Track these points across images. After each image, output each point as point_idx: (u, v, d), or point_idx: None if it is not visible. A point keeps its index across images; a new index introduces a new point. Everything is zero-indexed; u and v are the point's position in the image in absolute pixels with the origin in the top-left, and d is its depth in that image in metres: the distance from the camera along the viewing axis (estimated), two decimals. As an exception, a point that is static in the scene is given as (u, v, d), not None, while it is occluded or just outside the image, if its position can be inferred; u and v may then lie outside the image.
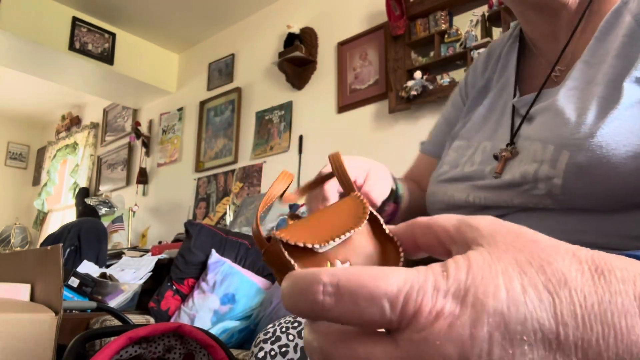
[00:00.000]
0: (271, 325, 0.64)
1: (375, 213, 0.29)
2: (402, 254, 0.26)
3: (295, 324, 0.62)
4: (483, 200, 0.58)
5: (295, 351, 0.60)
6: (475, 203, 0.59)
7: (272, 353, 0.60)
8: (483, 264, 0.21)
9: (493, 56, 0.74)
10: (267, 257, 0.27)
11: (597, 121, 0.48)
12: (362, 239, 0.28)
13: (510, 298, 0.19)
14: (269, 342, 0.61)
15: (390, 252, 0.27)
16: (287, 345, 0.60)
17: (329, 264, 0.26)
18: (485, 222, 0.23)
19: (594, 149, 0.47)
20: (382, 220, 0.28)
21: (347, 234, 0.26)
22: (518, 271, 0.20)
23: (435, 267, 0.21)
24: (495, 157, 0.59)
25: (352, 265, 0.26)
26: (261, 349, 0.61)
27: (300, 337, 0.61)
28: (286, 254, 0.26)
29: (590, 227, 0.50)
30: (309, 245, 0.26)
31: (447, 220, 0.25)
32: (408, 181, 0.77)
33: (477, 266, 0.21)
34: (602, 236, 0.49)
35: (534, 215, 0.54)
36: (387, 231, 0.28)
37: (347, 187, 0.34)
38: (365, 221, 0.28)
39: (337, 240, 0.26)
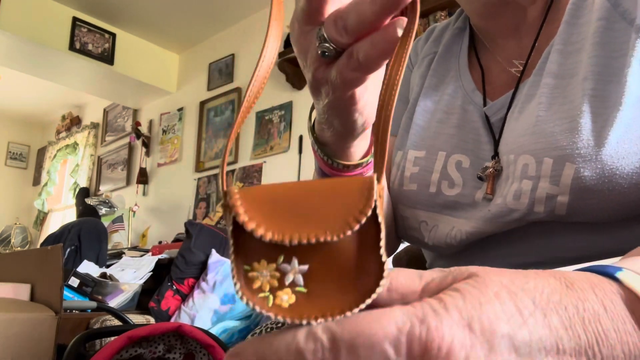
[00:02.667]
0: (259, 327, 0.65)
1: (378, 216, 0.22)
2: (381, 284, 0.21)
3: (280, 325, 0.63)
4: (465, 236, 0.51)
5: None
6: (456, 240, 0.52)
7: None
8: (474, 291, 0.20)
9: (432, 35, 0.67)
10: (222, 214, 0.22)
11: (602, 126, 0.42)
12: (339, 247, 0.22)
13: (511, 320, 0.19)
14: None
15: (367, 273, 0.21)
16: None
17: (280, 258, 0.21)
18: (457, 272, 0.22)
19: (605, 160, 0.41)
20: (382, 231, 0.22)
21: (316, 240, 0.21)
22: (507, 292, 0.20)
23: (429, 300, 0.20)
24: (480, 178, 0.51)
25: (310, 272, 0.21)
26: None
27: None
28: (230, 230, 0.21)
29: (587, 242, 0.45)
30: (259, 235, 0.20)
31: (410, 284, 0.22)
32: None
33: (470, 294, 0.20)
34: (595, 249, 0.44)
35: (518, 232, 0.48)
36: (381, 250, 0.21)
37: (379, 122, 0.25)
38: (356, 228, 0.21)
39: (302, 242, 0.20)
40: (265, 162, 3.22)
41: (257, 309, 0.20)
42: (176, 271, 2.19)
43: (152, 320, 1.89)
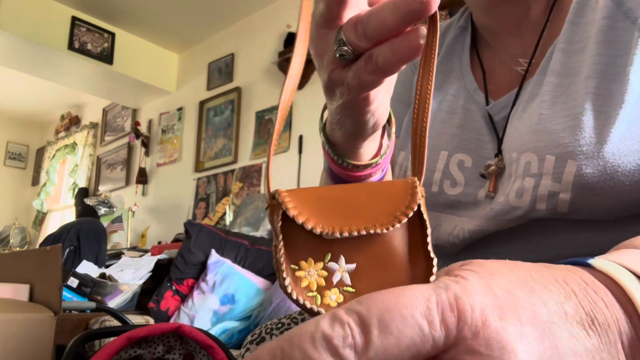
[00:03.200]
0: (259, 327, 0.65)
1: (424, 214, 0.22)
2: (431, 280, 0.21)
3: (279, 325, 0.63)
4: (467, 234, 0.51)
5: None
6: (459, 238, 0.52)
7: None
8: (480, 268, 0.20)
9: None
10: (269, 215, 0.23)
11: (604, 124, 0.42)
12: (387, 241, 0.22)
13: (523, 288, 0.20)
14: (255, 342, 0.62)
15: (415, 269, 0.21)
16: None
17: (328, 256, 0.21)
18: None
19: (607, 157, 0.41)
20: (428, 228, 0.22)
21: (366, 231, 0.21)
22: (507, 268, 0.21)
23: (444, 276, 0.20)
24: (483, 176, 0.52)
25: (358, 270, 0.21)
26: (247, 349, 0.62)
27: None
28: (279, 225, 0.22)
29: (588, 239, 0.45)
30: (309, 227, 0.21)
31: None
32: None
33: (478, 270, 0.20)
34: (597, 247, 0.43)
35: (521, 228, 0.48)
36: (428, 246, 0.22)
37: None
38: (404, 222, 0.22)
39: (352, 234, 0.21)
40: (265, 162, 3.22)
41: (308, 305, 0.21)
42: (175, 271, 2.18)
43: (151, 320, 1.89)
